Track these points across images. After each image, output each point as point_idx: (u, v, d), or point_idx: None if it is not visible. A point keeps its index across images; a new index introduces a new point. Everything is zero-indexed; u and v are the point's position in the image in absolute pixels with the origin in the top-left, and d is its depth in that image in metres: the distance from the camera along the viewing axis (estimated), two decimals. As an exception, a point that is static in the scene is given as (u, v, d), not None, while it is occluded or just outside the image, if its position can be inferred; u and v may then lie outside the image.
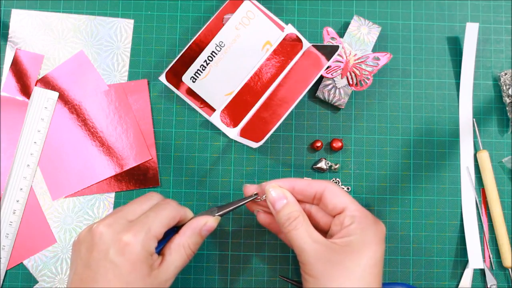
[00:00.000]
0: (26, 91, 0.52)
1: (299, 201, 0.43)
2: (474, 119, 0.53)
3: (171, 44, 0.53)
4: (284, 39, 0.51)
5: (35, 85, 0.52)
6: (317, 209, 0.44)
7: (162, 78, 0.50)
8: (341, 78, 0.51)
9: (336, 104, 0.52)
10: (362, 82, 0.51)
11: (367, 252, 0.39)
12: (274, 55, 0.51)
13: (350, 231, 0.40)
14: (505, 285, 0.51)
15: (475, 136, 0.53)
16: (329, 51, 0.48)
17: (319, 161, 0.52)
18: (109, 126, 0.52)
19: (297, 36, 0.51)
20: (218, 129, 0.51)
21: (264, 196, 0.44)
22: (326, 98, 0.52)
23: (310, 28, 0.54)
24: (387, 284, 0.49)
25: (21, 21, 0.53)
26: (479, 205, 0.52)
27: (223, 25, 0.51)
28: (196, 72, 0.50)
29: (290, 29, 0.51)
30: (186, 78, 0.50)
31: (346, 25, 0.53)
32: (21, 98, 0.52)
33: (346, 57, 0.51)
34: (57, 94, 0.52)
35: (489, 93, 0.54)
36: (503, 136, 0.53)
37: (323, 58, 0.48)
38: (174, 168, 0.52)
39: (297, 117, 0.53)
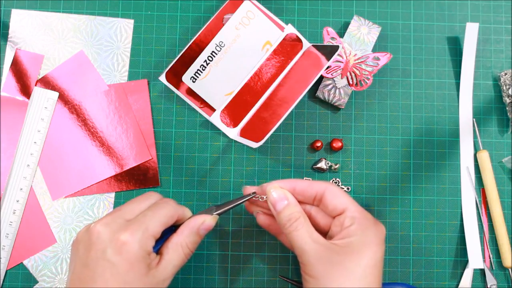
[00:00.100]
0: (26, 91, 0.52)
1: (300, 202, 0.43)
2: (474, 119, 0.53)
3: (171, 44, 0.53)
4: (284, 39, 0.51)
5: (35, 85, 0.52)
6: (317, 210, 0.44)
7: (162, 78, 0.50)
8: (341, 78, 0.51)
9: (336, 104, 0.52)
10: (362, 82, 0.51)
11: (367, 253, 0.39)
12: (274, 55, 0.51)
13: (350, 232, 0.40)
14: (505, 285, 0.51)
15: (475, 136, 0.53)
16: (329, 51, 0.48)
17: (319, 161, 0.52)
18: (109, 126, 0.52)
19: (297, 36, 0.51)
20: (218, 129, 0.51)
21: (264, 197, 0.44)
22: (326, 98, 0.52)
23: (310, 28, 0.54)
24: (387, 284, 0.49)
25: (21, 21, 0.53)
26: (479, 205, 0.52)
27: (223, 25, 0.51)
28: (196, 72, 0.50)
29: (290, 29, 0.51)
30: (186, 78, 0.50)
31: (346, 25, 0.53)
32: (21, 98, 0.52)
33: (346, 57, 0.51)
34: (57, 94, 0.52)
35: (489, 93, 0.54)
36: (503, 136, 0.53)
37: (323, 58, 0.48)
38: (174, 168, 0.52)
39: (297, 117, 0.53)
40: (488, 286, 0.50)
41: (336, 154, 0.52)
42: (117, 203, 0.51)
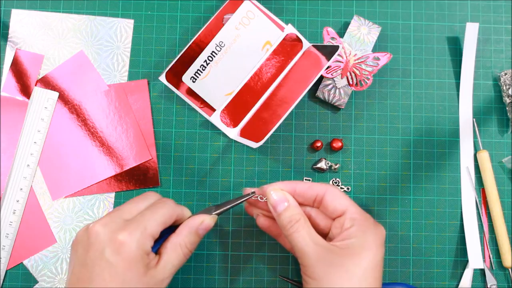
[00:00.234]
0: (26, 91, 0.52)
1: (300, 204, 0.43)
2: (474, 119, 0.53)
3: (171, 44, 0.53)
4: (284, 39, 0.51)
5: (35, 85, 0.52)
6: (317, 212, 0.44)
7: (162, 78, 0.50)
8: (341, 78, 0.51)
9: (336, 104, 0.52)
10: (362, 82, 0.51)
11: (368, 254, 0.39)
12: (274, 55, 0.51)
13: (351, 233, 0.40)
14: (505, 285, 0.51)
15: (475, 136, 0.53)
16: (329, 51, 0.48)
17: (319, 161, 0.52)
18: (109, 126, 0.52)
19: (297, 36, 0.51)
20: (218, 129, 0.51)
21: (264, 198, 0.44)
22: (326, 98, 0.52)
23: (310, 28, 0.54)
24: (387, 284, 0.49)
25: (21, 21, 0.53)
26: (479, 205, 0.52)
27: (223, 25, 0.51)
28: (196, 72, 0.50)
29: (290, 29, 0.51)
30: (186, 78, 0.50)
31: (346, 25, 0.53)
32: (21, 98, 0.52)
33: (346, 57, 0.51)
34: (57, 94, 0.52)
35: (489, 93, 0.54)
36: (503, 136, 0.53)
37: (323, 58, 0.48)
38: (174, 168, 0.52)
39: (297, 117, 0.53)
40: (488, 286, 0.50)
41: (336, 154, 0.52)
42: (117, 203, 0.51)
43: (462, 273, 0.51)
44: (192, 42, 0.51)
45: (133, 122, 0.52)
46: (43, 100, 0.52)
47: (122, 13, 0.54)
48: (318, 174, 0.52)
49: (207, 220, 0.42)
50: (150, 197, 0.42)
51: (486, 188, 0.51)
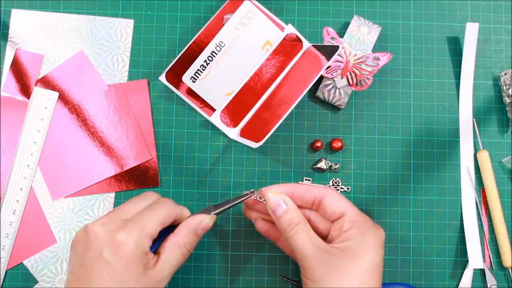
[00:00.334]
0: (26, 91, 0.52)
1: (298, 206, 0.43)
2: (474, 119, 0.53)
3: (171, 44, 0.53)
4: (284, 39, 0.51)
5: (35, 85, 0.52)
6: (316, 214, 0.44)
7: (162, 78, 0.50)
8: (341, 78, 0.51)
9: (336, 104, 0.52)
10: (362, 82, 0.51)
11: (367, 256, 0.39)
12: (274, 55, 0.51)
13: (350, 235, 0.40)
14: (505, 285, 0.51)
15: (475, 136, 0.53)
16: (329, 51, 0.48)
17: (319, 161, 0.52)
18: (109, 126, 0.52)
19: (297, 36, 0.51)
20: (218, 129, 0.51)
21: (263, 199, 0.43)
22: (326, 98, 0.52)
23: (310, 28, 0.54)
24: (387, 284, 0.49)
25: (21, 21, 0.53)
26: (479, 205, 0.52)
27: (223, 25, 0.51)
28: (196, 72, 0.50)
29: (290, 29, 0.51)
30: (186, 78, 0.50)
31: (346, 25, 0.53)
32: (21, 98, 0.52)
33: (346, 57, 0.51)
34: (57, 94, 0.52)
35: (489, 93, 0.54)
36: (503, 136, 0.53)
37: (323, 58, 0.48)
38: (174, 168, 0.52)
39: (297, 117, 0.53)
40: (488, 286, 0.50)
41: (336, 154, 0.52)
42: (117, 203, 0.51)
43: (462, 273, 0.51)
44: (192, 42, 0.51)
45: (133, 122, 0.52)
46: (43, 100, 0.52)
47: (122, 13, 0.54)
48: (318, 174, 0.52)
49: (205, 220, 0.42)
50: (149, 197, 0.42)
51: (486, 188, 0.51)
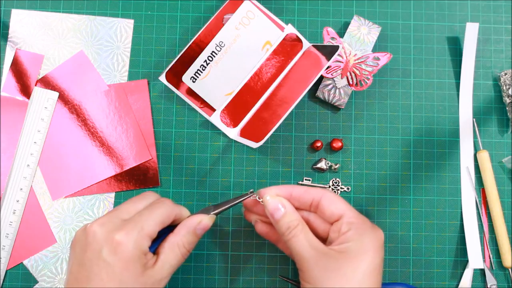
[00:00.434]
0: (26, 91, 0.52)
1: (297, 208, 0.43)
2: (474, 119, 0.53)
3: (171, 44, 0.53)
4: (284, 39, 0.51)
5: (35, 85, 0.52)
6: (316, 216, 0.43)
7: (162, 78, 0.50)
8: (341, 78, 0.51)
9: (336, 104, 0.52)
10: (362, 82, 0.51)
11: (365, 258, 0.39)
12: (274, 55, 0.51)
13: (348, 237, 0.40)
14: (505, 285, 0.51)
15: (475, 136, 0.53)
16: (329, 51, 0.48)
17: (319, 161, 0.52)
18: (109, 126, 0.52)
19: (297, 36, 0.51)
20: (218, 129, 0.51)
21: (261, 200, 0.43)
22: (326, 98, 0.52)
23: (310, 28, 0.54)
24: (387, 284, 0.49)
25: (21, 21, 0.53)
26: (479, 205, 0.52)
27: (223, 25, 0.51)
28: (196, 72, 0.50)
29: (290, 29, 0.51)
30: (186, 78, 0.50)
31: (346, 25, 0.53)
32: (21, 98, 0.52)
33: (346, 57, 0.51)
34: (57, 94, 0.52)
35: (489, 93, 0.54)
36: (503, 136, 0.53)
37: (323, 58, 0.48)
38: (174, 168, 0.52)
39: (297, 117, 0.53)
40: (488, 286, 0.50)
41: (336, 154, 0.52)
42: (117, 203, 0.51)
43: (462, 273, 0.51)
44: (192, 42, 0.51)
45: (133, 122, 0.52)
46: (43, 100, 0.52)
47: (122, 13, 0.54)
48: (318, 174, 0.52)
49: (205, 220, 0.42)
50: (148, 197, 0.42)
51: (486, 188, 0.51)
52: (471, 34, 0.52)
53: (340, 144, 0.52)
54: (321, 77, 0.52)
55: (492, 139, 0.53)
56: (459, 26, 0.54)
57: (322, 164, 0.52)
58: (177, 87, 0.51)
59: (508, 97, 0.52)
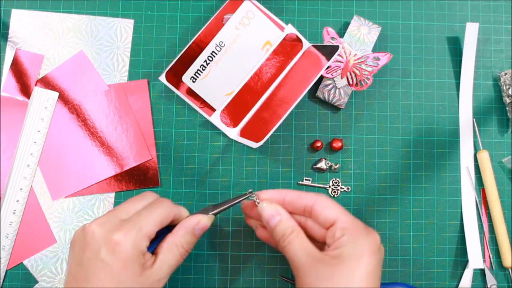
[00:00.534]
0: (26, 91, 0.52)
1: (291, 212, 0.43)
2: (474, 119, 0.53)
3: (171, 44, 0.53)
4: (284, 39, 0.51)
5: (35, 85, 0.52)
6: (313, 221, 0.43)
7: (162, 78, 0.50)
8: (341, 78, 0.51)
9: (336, 104, 0.52)
10: (362, 82, 0.51)
11: (360, 262, 0.38)
12: (274, 55, 0.51)
13: (342, 243, 0.39)
14: (505, 285, 0.51)
15: (475, 136, 0.53)
16: (329, 51, 0.48)
17: (319, 161, 0.52)
18: (109, 126, 0.52)
19: (297, 36, 0.51)
20: (218, 129, 0.51)
21: (258, 202, 0.43)
22: (326, 98, 0.52)
23: (310, 28, 0.54)
24: (387, 284, 0.49)
25: (21, 21, 0.53)
26: (479, 205, 0.52)
27: (223, 25, 0.51)
28: (196, 72, 0.50)
29: (290, 29, 0.51)
30: (186, 78, 0.50)
31: (346, 25, 0.53)
32: (21, 98, 0.52)
33: (346, 57, 0.51)
34: (57, 94, 0.52)
35: (489, 93, 0.54)
36: (503, 136, 0.53)
37: (323, 58, 0.48)
38: (174, 168, 0.52)
39: (297, 117, 0.53)
40: (488, 286, 0.50)
41: (336, 154, 0.52)
42: (117, 203, 0.51)
43: (462, 273, 0.51)
44: (192, 42, 0.51)
45: (133, 122, 0.52)
46: (43, 100, 0.52)
47: (122, 13, 0.54)
48: (318, 174, 0.52)
49: (203, 220, 0.42)
50: (147, 197, 0.42)
51: (486, 188, 0.51)
52: (471, 34, 0.52)
53: (340, 144, 0.52)
54: (321, 77, 0.52)
55: (492, 139, 0.53)
56: (459, 26, 0.54)
57: (322, 164, 0.52)
58: (177, 87, 0.51)
59: (508, 97, 0.52)
